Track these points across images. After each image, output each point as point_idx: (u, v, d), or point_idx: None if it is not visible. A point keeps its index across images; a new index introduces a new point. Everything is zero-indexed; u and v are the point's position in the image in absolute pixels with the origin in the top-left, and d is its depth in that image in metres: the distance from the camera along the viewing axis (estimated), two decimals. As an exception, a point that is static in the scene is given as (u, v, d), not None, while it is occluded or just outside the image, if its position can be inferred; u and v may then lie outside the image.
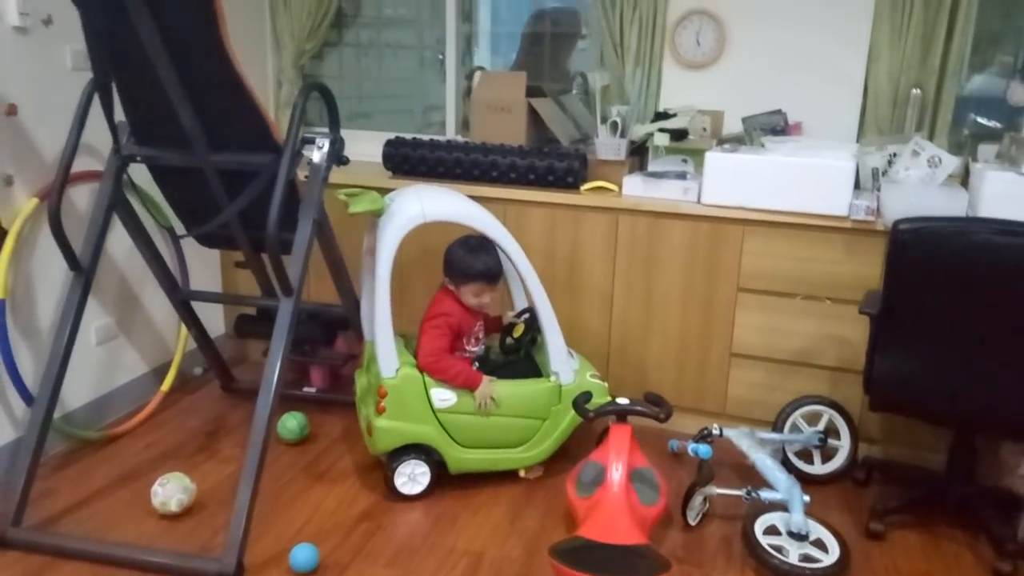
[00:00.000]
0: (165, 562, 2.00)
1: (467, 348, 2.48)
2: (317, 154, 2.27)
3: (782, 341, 2.67)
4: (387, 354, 2.31)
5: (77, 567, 2.00)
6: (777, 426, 2.60)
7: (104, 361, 2.71)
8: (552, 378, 2.45)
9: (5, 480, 2.15)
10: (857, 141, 2.84)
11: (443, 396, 2.34)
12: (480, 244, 2.41)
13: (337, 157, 2.32)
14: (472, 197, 2.79)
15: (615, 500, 2.03)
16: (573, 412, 2.40)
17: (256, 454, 2.05)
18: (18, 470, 2.13)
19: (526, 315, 2.57)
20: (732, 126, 2.94)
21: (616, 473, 2.06)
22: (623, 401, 2.23)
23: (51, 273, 2.44)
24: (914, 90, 2.72)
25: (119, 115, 2.23)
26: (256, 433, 2.07)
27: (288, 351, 2.16)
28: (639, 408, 2.22)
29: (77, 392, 2.59)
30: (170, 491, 2.20)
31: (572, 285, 2.84)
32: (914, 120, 2.73)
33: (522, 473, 2.50)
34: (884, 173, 2.61)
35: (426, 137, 3.00)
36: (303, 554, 2.01)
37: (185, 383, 3.02)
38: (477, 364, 2.47)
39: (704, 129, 2.94)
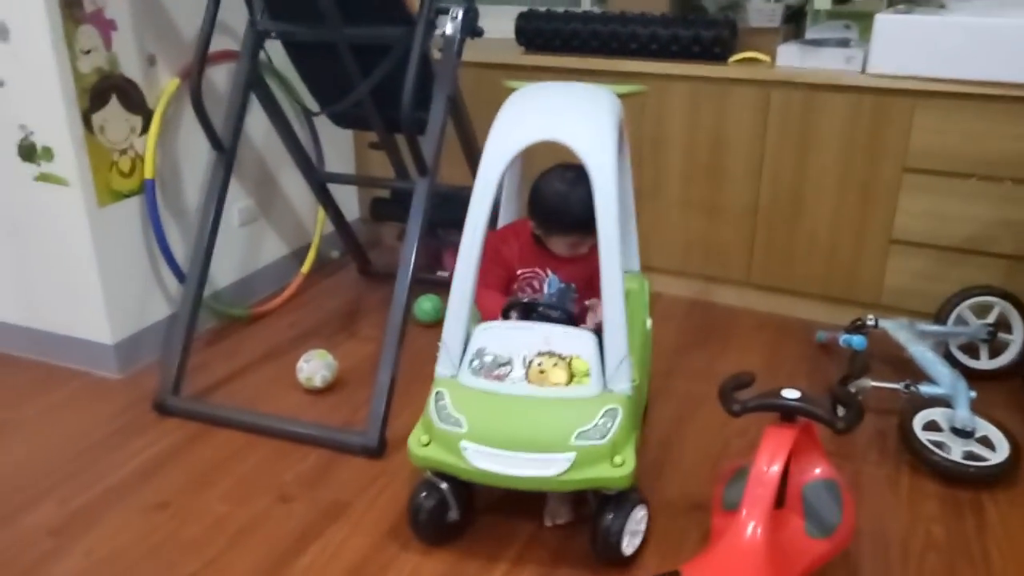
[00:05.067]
0: (312, 433, 2.07)
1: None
2: (450, 25, 2.17)
3: (950, 227, 2.43)
4: None
5: (231, 434, 2.10)
6: (940, 318, 2.40)
7: (247, 242, 2.78)
8: None
9: (163, 353, 2.26)
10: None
11: None
12: (579, 178, 1.70)
13: (472, 28, 2.20)
14: (610, 72, 2.65)
15: (740, 539, 1.45)
16: None
17: (395, 333, 2.06)
18: (175, 343, 2.23)
19: None
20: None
21: (755, 500, 1.46)
22: (791, 394, 1.53)
23: (195, 154, 2.48)
24: None
25: (254, -11, 2.19)
26: (395, 313, 2.08)
27: (424, 232, 2.13)
28: (808, 408, 1.51)
29: (223, 272, 2.68)
30: (314, 367, 2.26)
31: (716, 167, 2.67)
32: None
33: None
34: (1090, 32, 2.27)
35: (560, 9, 2.83)
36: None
37: (323, 266, 3.07)
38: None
39: (872, -10, 2.63)
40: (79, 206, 2.19)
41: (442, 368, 1.69)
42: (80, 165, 2.16)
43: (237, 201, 2.69)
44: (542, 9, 2.82)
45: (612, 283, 1.59)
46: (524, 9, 2.83)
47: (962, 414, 2.00)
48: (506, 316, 1.75)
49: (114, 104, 2.22)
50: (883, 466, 2.01)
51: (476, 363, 1.65)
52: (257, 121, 2.58)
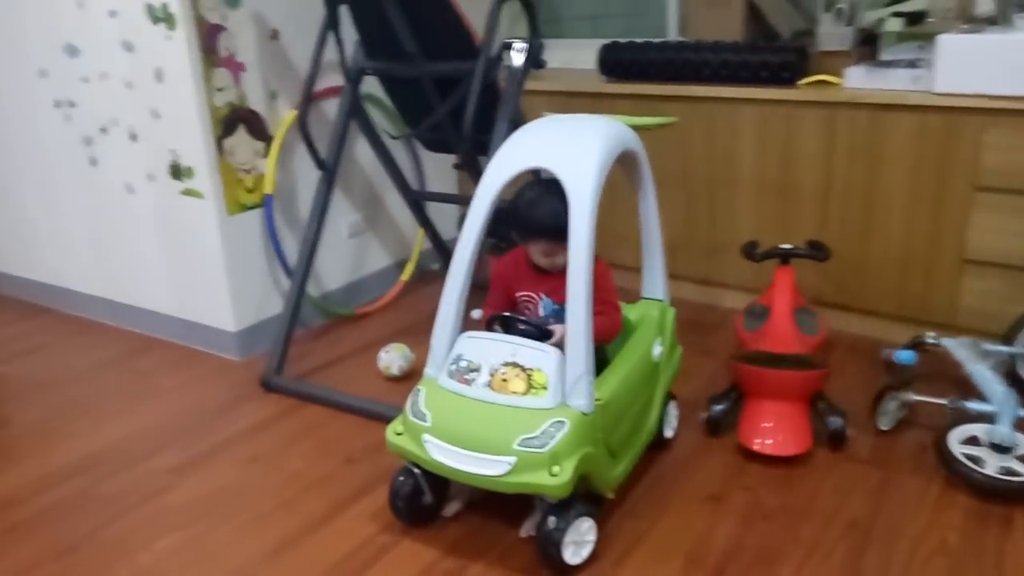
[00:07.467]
0: (385, 413, 2.34)
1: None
2: (516, 57, 2.44)
3: (1025, 246, 2.38)
4: None
5: (319, 409, 2.46)
6: (1009, 338, 2.35)
7: (355, 252, 3.16)
8: None
9: (274, 341, 2.66)
10: None
11: None
12: (549, 189, 1.80)
13: (535, 61, 2.46)
14: (679, 97, 2.81)
15: (784, 320, 2.29)
16: None
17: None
18: (280, 331, 2.61)
19: None
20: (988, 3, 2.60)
21: (782, 305, 2.32)
22: (786, 246, 2.46)
23: (309, 175, 2.86)
24: None
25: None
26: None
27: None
28: (800, 251, 2.45)
29: (335, 277, 3.07)
30: (392, 357, 2.58)
31: (784, 187, 2.75)
32: None
33: None
34: None
35: (640, 40, 3.03)
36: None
37: (423, 276, 3.40)
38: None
39: (949, 9, 2.63)
40: (212, 215, 2.64)
41: (428, 368, 1.87)
42: (213, 181, 2.61)
43: (346, 215, 3.08)
44: (623, 40, 3.03)
45: (577, 302, 1.69)
46: (608, 41, 3.05)
47: (1003, 430, 1.99)
48: (491, 327, 1.89)
49: (241, 132, 2.66)
50: (916, 476, 2.02)
51: (453, 367, 1.80)
52: (366, 147, 2.95)
